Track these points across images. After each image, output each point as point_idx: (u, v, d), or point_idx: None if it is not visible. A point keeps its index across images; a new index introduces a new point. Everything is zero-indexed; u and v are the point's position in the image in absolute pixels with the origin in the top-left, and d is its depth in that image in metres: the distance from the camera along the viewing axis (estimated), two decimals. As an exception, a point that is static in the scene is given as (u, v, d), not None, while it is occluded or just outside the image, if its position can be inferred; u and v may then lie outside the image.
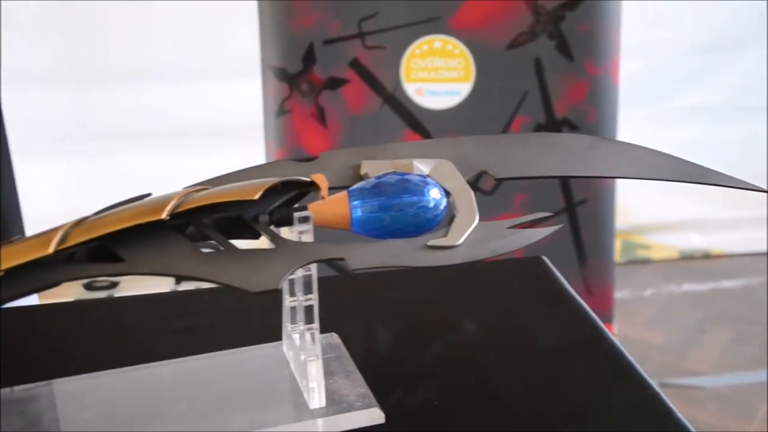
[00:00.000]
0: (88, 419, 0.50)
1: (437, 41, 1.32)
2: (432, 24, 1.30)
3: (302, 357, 0.51)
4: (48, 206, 1.48)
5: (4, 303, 0.45)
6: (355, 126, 1.35)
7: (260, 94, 1.40)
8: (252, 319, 0.66)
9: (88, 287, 1.57)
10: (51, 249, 0.45)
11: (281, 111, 1.35)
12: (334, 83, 1.33)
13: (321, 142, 1.36)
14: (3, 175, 1.24)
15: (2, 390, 0.52)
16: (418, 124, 1.35)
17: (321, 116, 1.35)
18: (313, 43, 1.30)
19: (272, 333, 0.59)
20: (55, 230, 0.47)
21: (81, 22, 1.49)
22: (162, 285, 1.51)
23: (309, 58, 1.31)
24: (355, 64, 1.32)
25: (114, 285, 1.61)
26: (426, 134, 1.35)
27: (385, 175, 0.51)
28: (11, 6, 1.35)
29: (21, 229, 1.28)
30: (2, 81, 1.21)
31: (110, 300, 0.96)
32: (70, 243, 0.46)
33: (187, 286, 1.60)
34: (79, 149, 1.58)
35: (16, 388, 0.53)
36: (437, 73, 1.33)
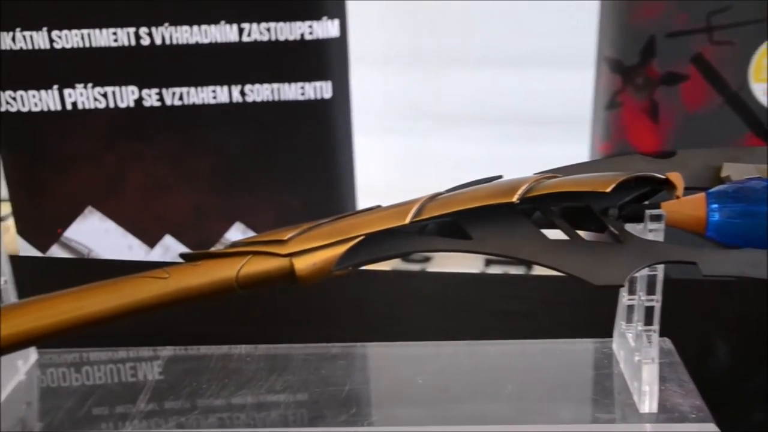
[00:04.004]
0: (422, 384, 0.53)
1: (796, 39, 1.21)
2: (794, 20, 1.19)
3: (636, 358, 0.50)
4: (378, 179, 1.58)
5: (362, 266, 0.49)
6: (689, 125, 1.28)
7: (591, 85, 1.38)
8: (576, 311, 0.66)
9: (405, 258, 1.66)
10: (407, 220, 0.48)
11: (612, 104, 1.32)
12: (672, 78, 1.26)
13: (650, 139, 1.30)
14: (344, 148, 1.34)
15: (349, 344, 0.57)
16: (763, 128, 1.25)
17: (653, 112, 1.29)
18: (654, 36, 1.25)
19: (596, 328, 0.58)
20: (411, 203, 0.49)
21: (423, 7, 1.56)
22: (470, 266, 1.55)
23: (648, 51, 1.26)
24: (698, 60, 1.25)
25: (427, 259, 1.68)
26: (770, 139, 1.24)
27: (750, 180, 0.47)
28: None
29: (353, 199, 1.38)
30: (351, 62, 1.30)
31: (437, 275, 1.00)
32: (424, 216, 0.48)
33: (495, 269, 1.62)
34: (409, 128, 1.66)
35: (359, 344, 0.57)
36: (792, 74, 1.22)
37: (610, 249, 0.46)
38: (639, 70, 1.28)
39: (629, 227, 0.48)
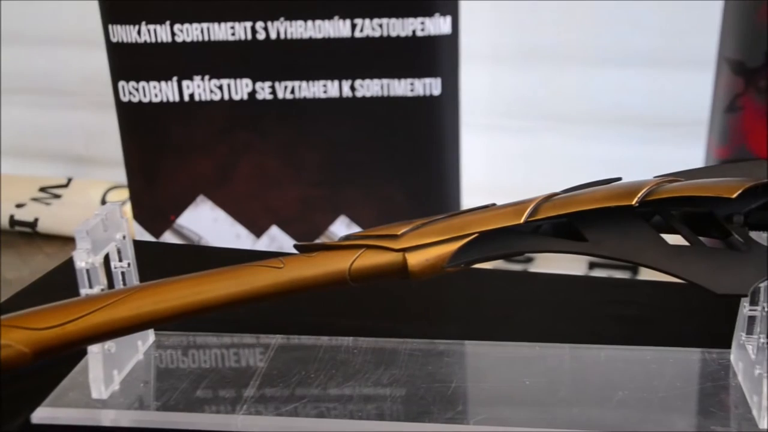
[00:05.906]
0: (528, 385, 0.52)
1: None
2: None
3: (757, 371, 0.48)
4: (484, 177, 1.57)
5: (475, 264, 0.49)
6: (815, 131, 1.23)
7: (709, 87, 1.33)
8: (688, 319, 0.64)
9: (508, 257, 1.64)
10: (522, 219, 0.47)
11: (732, 107, 1.27)
12: (799, 82, 1.21)
13: (771, 145, 1.25)
14: (450, 145, 1.34)
15: (455, 341, 0.57)
16: None
17: (776, 116, 1.24)
18: (781, 37, 1.20)
19: (712, 338, 0.56)
20: (526, 202, 0.49)
21: (537, 6, 1.54)
22: (573, 267, 1.52)
23: (774, 52, 1.21)
24: (828, 63, 1.19)
25: (530, 260, 1.66)
26: None
27: None
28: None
29: (458, 196, 1.38)
30: (462, 59, 1.29)
31: (540, 275, 0.99)
32: (539, 216, 0.47)
33: (599, 272, 1.59)
34: (518, 126, 1.64)
35: (466, 342, 0.57)
36: None
37: (733, 257, 0.45)
38: (763, 72, 1.22)
39: (754, 235, 0.46)
